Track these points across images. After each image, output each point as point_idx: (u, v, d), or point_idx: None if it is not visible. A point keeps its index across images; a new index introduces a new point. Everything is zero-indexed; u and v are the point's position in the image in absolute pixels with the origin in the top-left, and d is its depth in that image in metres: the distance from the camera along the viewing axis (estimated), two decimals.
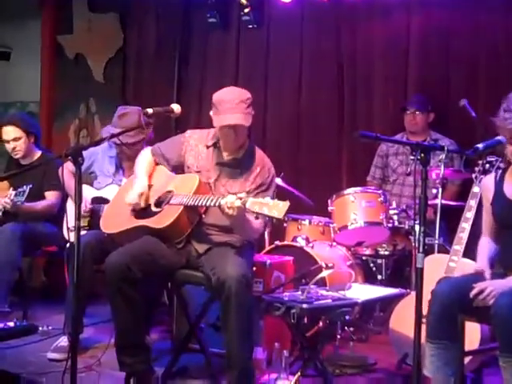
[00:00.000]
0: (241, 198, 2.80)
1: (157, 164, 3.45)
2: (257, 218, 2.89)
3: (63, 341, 3.71)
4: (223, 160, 3.31)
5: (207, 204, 3.02)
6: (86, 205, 3.95)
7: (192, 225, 3.20)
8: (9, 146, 4.52)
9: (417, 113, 4.75)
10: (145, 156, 3.47)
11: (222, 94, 3.23)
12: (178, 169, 3.39)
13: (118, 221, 3.35)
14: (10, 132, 4.49)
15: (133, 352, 3.16)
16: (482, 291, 2.70)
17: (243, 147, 3.32)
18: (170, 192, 3.26)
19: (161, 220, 3.18)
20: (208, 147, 3.33)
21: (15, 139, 4.48)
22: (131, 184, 3.41)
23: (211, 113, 3.25)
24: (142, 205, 3.27)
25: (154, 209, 3.27)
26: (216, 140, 3.32)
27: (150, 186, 3.35)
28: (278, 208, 2.70)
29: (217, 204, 2.93)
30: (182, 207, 3.13)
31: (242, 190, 3.11)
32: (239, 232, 3.17)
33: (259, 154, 3.36)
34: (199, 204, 3.05)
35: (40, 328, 4.02)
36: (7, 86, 6.69)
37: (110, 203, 3.60)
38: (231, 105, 3.16)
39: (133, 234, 3.25)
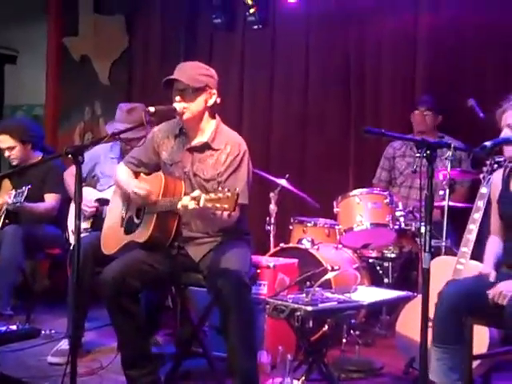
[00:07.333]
0: (194, 198, 2.68)
1: (135, 173, 3.33)
2: (214, 214, 2.72)
3: (64, 344, 3.68)
4: (192, 145, 3.18)
5: (169, 209, 2.95)
6: (90, 204, 3.93)
7: (174, 226, 3.12)
8: (5, 154, 4.52)
9: (427, 112, 4.69)
10: (122, 171, 3.34)
11: None
12: (159, 168, 3.27)
13: (113, 240, 3.32)
14: (4, 141, 4.48)
15: (139, 364, 3.09)
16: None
17: (209, 128, 3.17)
18: None
19: (142, 232, 3.13)
20: (176, 137, 3.22)
21: (9, 148, 4.48)
22: (119, 202, 3.36)
23: None
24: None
25: (135, 220, 3.22)
26: (181, 125, 3.20)
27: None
28: (227, 200, 2.60)
29: (175, 208, 2.84)
30: (155, 216, 3.06)
31: (214, 173, 3.07)
32: (212, 227, 3.09)
33: (228, 131, 3.23)
34: (164, 210, 2.99)
35: (43, 332, 3.97)
36: (14, 89, 6.69)
37: (105, 224, 3.51)
38: (179, 68, 3.15)
39: (126, 249, 3.22)
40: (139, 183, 3.20)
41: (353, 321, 3.82)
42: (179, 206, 2.76)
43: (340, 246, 4.26)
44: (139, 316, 3.08)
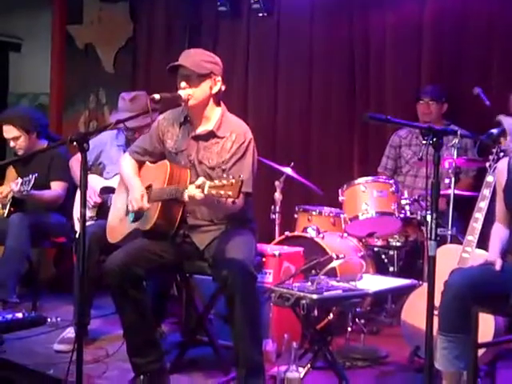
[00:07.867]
0: (199, 186, 2.68)
1: (139, 163, 3.33)
2: (218, 201, 2.75)
3: (70, 332, 3.70)
4: (197, 133, 3.17)
5: (174, 197, 2.94)
6: (95, 196, 3.94)
7: (178, 214, 3.11)
8: (11, 144, 4.51)
9: (431, 102, 4.66)
10: (126, 164, 3.34)
11: None
12: (164, 157, 3.26)
13: (118, 228, 3.32)
14: (9, 132, 4.46)
15: (144, 352, 3.09)
16: None
17: (214, 116, 3.16)
18: (149, 187, 3.18)
19: (147, 220, 3.13)
20: (181, 125, 3.21)
21: (14, 139, 4.46)
22: (124, 190, 3.34)
23: None
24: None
25: None
26: (186, 113, 3.19)
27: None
28: (231, 187, 2.59)
29: (180, 197, 2.84)
30: (159, 203, 3.06)
31: (219, 161, 3.06)
32: (216, 214, 3.10)
33: (233, 119, 3.21)
34: (170, 198, 2.99)
35: (49, 319, 3.99)
36: (18, 77, 6.68)
37: (111, 213, 3.51)
38: (184, 54, 3.12)
39: (131, 237, 3.22)
40: (138, 189, 3.18)
41: (358, 309, 3.83)
42: (186, 196, 2.76)
43: (345, 234, 4.25)
44: (144, 303, 3.08)
